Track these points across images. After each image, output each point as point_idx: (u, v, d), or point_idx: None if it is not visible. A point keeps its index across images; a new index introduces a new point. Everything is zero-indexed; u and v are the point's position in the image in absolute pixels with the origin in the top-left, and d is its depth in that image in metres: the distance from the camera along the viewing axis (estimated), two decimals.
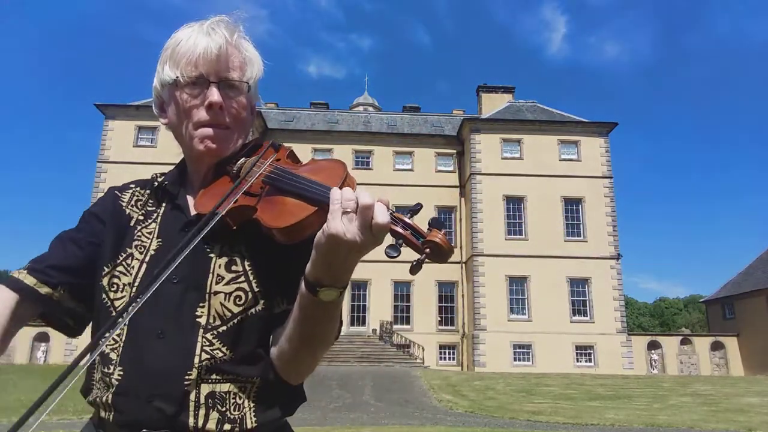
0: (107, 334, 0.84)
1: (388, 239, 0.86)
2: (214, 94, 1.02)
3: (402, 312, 33.80)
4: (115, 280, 1.01)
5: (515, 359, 31.05)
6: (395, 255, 0.83)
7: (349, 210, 0.82)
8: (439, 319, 34.11)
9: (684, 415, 13.37)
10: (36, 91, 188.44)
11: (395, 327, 32.71)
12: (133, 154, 32.88)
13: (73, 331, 1.06)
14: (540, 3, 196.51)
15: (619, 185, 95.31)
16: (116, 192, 1.14)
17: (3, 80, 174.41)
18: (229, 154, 1.06)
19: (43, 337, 31.27)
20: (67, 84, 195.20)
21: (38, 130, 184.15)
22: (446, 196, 35.11)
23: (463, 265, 34.33)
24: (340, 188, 0.88)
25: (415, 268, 0.83)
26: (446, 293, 34.56)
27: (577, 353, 31.32)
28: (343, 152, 35.06)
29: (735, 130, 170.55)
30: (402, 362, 29.13)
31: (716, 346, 34.70)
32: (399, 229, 0.84)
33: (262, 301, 0.99)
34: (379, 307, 33.22)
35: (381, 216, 0.82)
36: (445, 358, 33.45)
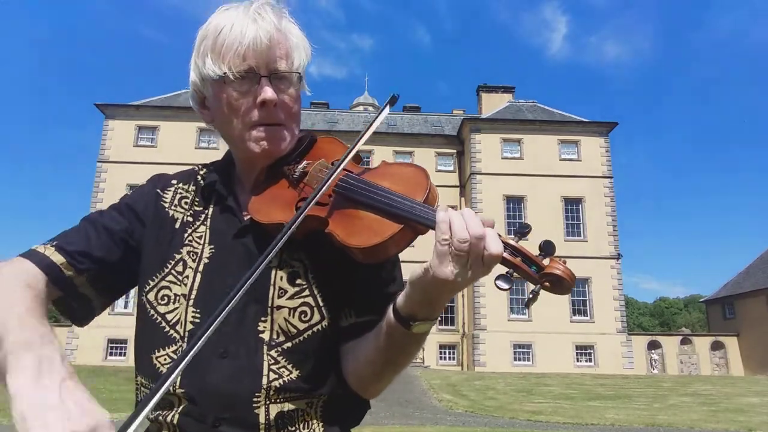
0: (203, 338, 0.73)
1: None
2: (267, 92, 0.92)
3: None
4: (166, 292, 0.93)
5: (515, 359, 31.04)
6: (507, 288, 0.72)
7: (462, 254, 0.72)
8: (438, 318, 34.09)
9: (684, 415, 13.37)
10: (36, 91, 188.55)
11: None
12: (133, 154, 32.86)
13: (79, 320, 0.97)
14: (541, 3, 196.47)
15: (619, 185, 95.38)
16: (158, 191, 1.04)
17: (3, 80, 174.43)
18: (284, 153, 0.98)
19: None
20: (67, 84, 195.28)
21: (38, 129, 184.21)
22: (446, 196, 35.00)
23: None
24: (424, 202, 0.80)
25: (531, 301, 0.74)
26: None
27: (577, 353, 31.31)
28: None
29: (735, 129, 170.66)
30: None
31: (716, 346, 34.69)
32: (509, 257, 0.74)
33: (328, 317, 0.92)
34: None
35: (494, 246, 0.72)
36: (445, 358, 33.44)
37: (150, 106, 34.03)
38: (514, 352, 31.22)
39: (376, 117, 0.90)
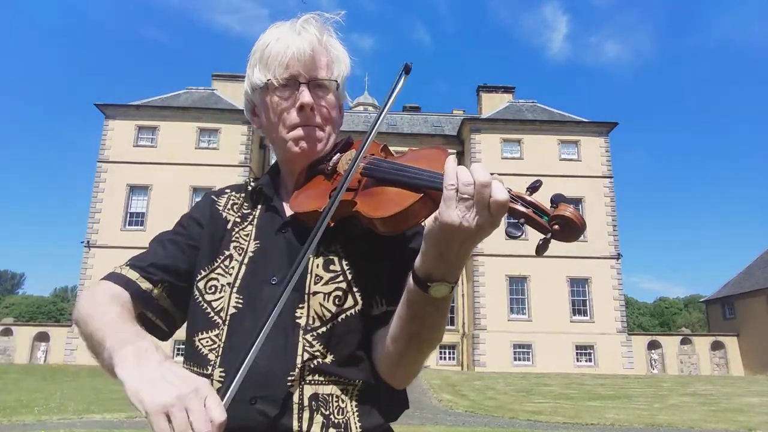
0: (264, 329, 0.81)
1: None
2: (305, 96, 1.01)
3: None
4: (213, 282, 1.00)
5: (515, 359, 31.04)
6: (518, 234, 0.75)
7: (467, 196, 0.74)
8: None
9: (684, 415, 13.36)
10: (36, 91, 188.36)
11: None
12: (133, 154, 32.84)
13: (163, 334, 1.05)
14: (541, 3, 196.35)
15: (619, 185, 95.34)
16: (213, 197, 1.15)
17: (2, 80, 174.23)
18: (322, 155, 1.06)
19: (43, 337, 31.26)
20: (67, 84, 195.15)
21: (38, 129, 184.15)
22: None
23: None
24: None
25: (542, 247, 0.75)
26: None
27: (577, 353, 31.31)
28: None
29: (735, 129, 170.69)
30: None
31: (716, 346, 34.69)
32: (519, 207, 0.76)
33: (360, 302, 0.96)
34: None
35: (499, 193, 0.73)
36: (444, 358, 33.44)
37: (150, 106, 33.99)
38: (514, 352, 31.21)
39: (393, 89, 0.95)
